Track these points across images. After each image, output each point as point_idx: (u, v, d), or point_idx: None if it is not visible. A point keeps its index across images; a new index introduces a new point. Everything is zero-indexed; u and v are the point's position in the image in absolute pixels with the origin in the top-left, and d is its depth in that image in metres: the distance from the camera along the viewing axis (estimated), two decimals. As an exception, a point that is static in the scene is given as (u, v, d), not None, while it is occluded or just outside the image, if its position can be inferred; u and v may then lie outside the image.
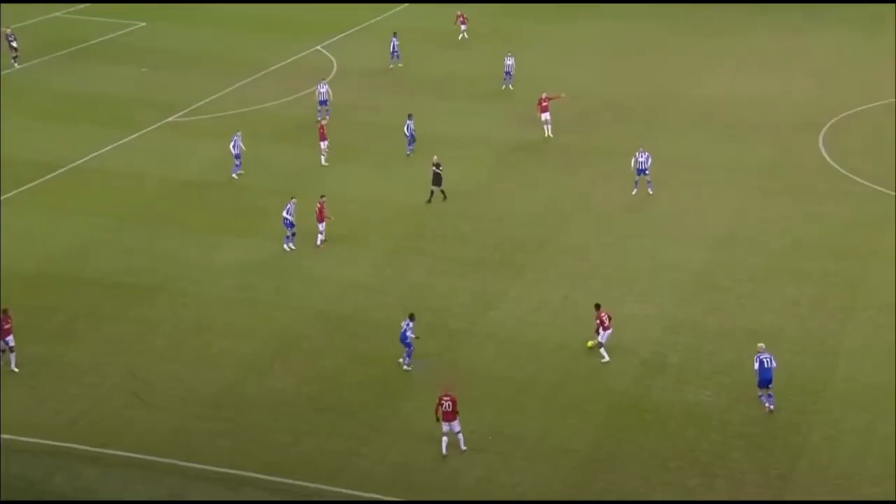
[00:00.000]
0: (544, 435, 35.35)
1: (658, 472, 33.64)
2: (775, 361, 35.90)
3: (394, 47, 71.12)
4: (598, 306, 39.52)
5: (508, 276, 45.10)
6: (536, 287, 44.31)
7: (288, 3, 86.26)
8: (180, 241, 48.15)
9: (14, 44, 71.68)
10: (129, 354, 39.69)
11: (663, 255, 46.68)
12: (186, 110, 63.71)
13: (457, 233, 48.80)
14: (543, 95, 58.80)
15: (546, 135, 58.78)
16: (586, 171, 55.32)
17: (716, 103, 64.59)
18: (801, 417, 36.04)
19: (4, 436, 35.01)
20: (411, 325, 38.55)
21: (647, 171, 51.78)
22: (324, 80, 64.21)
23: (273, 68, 71.21)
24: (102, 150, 57.79)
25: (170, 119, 62.43)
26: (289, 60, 72.68)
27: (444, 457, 34.08)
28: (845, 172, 54.48)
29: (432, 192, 51.34)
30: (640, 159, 51.77)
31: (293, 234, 47.03)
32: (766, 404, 36.10)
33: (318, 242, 47.26)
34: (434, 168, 51.15)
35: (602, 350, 39.11)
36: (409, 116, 56.95)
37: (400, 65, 71.14)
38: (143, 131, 60.59)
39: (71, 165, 55.92)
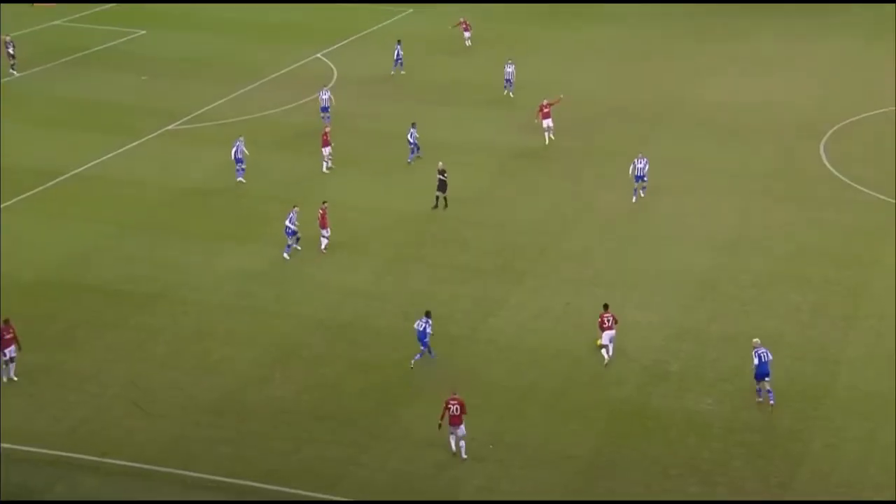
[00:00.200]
0: (545, 442, 35.28)
1: (659, 480, 33.58)
2: (771, 355, 36.17)
3: (398, 55, 71.01)
4: (605, 307, 39.54)
5: (510, 282, 45.03)
6: (538, 293, 44.24)
7: (288, 4, 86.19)
8: (181, 248, 48.10)
9: (12, 51, 71.62)
10: (130, 362, 39.63)
11: (666, 260, 46.60)
12: (187, 118, 63.68)
13: (458, 239, 48.73)
14: (544, 102, 58.74)
15: (546, 142, 58.71)
16: (589, 176, 55.26)
17: (720, 109, 64.58)
18: (803, 425, 35.96)
19: (4, 445, 34.91)
20: (430, 322, 38.70)
21: (644, 178, 51.68)
22: (326, 86, 64.18)
23: (273, 76, 71.20)
24: (103, 158, 57.77)
25: (170, 127, 62.41)
26: (289, 68, 72.68)
27: (454, 454, 34.13)
28: (847, 181, 54.37)
29: (437, 198, 51.31)
30: (639, 165, 51.68)
31: (297, 241, 46.90)
32: (762, 399, 36.21)
33: (323, 248, 47.19)
34: (439, 174, 51.14)
35: (603, 351, 39.03)
36: (413, 125, 56.87)
37: (402, 72, 71.08)
38: (143, 139, 60.58)
39: (71, 173, 55.87)
